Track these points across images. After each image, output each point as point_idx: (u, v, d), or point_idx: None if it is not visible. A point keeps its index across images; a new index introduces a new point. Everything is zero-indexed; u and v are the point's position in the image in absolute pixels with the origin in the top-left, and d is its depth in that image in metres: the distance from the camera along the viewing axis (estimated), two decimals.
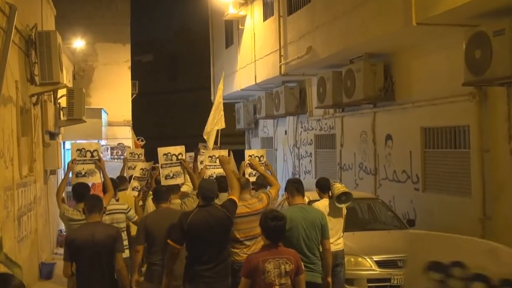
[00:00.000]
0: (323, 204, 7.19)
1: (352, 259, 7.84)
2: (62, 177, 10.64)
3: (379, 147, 11.80)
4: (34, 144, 9.54)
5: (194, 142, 12.63)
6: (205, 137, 11.09)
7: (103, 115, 16.87)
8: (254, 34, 16.39)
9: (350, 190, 7.36)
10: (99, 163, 7.29)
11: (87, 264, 5.35)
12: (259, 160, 8.35)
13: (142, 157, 9.94)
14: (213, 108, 11.14)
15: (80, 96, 11.98)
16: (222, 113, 10.99)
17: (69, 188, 7.55)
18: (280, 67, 14.11)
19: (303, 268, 4.81)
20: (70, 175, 7.32)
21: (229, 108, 22.60)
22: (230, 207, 5.48)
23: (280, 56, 14.11)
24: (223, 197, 6.28)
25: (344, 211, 7.41)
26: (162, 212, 6.19)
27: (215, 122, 10.98)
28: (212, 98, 21.30)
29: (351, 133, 13.06)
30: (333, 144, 14.17)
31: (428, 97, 10.00)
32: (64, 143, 15.07)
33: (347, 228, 7.72)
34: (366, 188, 12.02)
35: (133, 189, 8.09)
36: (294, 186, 6.28)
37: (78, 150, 7.39)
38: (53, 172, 12.02)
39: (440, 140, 9.97)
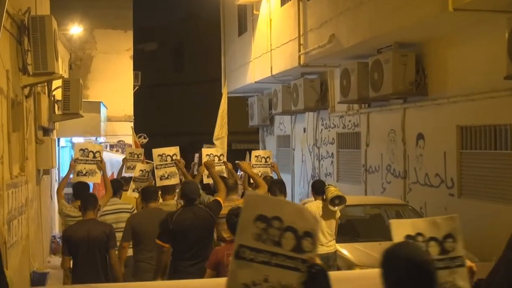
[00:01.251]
0: (315, 206, 8.13)
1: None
2: (61, 176, 12.58)
3: (409, 148, 11.75)
4: (26, 140, 9.59)
5: (202, 140, 13.00)
6: (215, 142, 11.66)
7: (102, 109, 16.95)
8: (271, 20, 16.38)
9: (343, 194, 8.28)
10: (100, 164, 8.33)
11: (83, 259, 6.39)
12: (266, 161, 9.71)
13: (142, 157, 10.45)
14: (219, 115, 11.80)
15: (77, 88, 12.03)
16: (226, 120, 11.76)
17: (70, 190, 8.73)
18: (299, 57, 14.10)
19: None
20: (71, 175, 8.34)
21: (241, 103, 22.68)
22: (214, 207, 6.54)
23: (299, 45, 14.09)
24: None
25: (338, 214, 8.33)
26: (149, 212, 7.17)
27: (222, 129, 11.81)
28: (223, 91, 21.32)
29: (378, 132, 13.02)
30: (358, 144, 14.13)
31: (465, 92, 9.94)
32: (58, 139, 15.16)
33: (372, 237, 7.77)
34: (394, 193, 11.97)
35: (133, 191, 9.00)
36: (277, 187, 7.60)
37: (81, 150, 8.40)
38: (47, 172, 12.08)
39: (478, 140, 9.91)
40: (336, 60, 13.32)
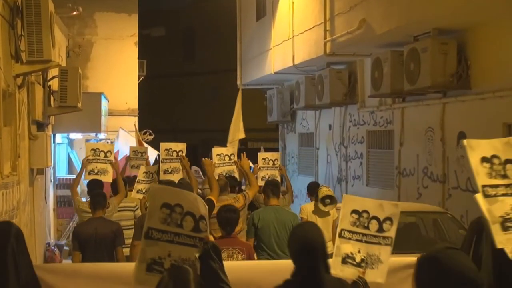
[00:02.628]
0: (310, 206, 9.76)
1: None
2: (57, 177, 14.79)
3: (449, 148, 11.70)
4: (18, 136, 9.65)
5: (214, 137, 13.76)
6: (228, 146, 13.07)
7: (103, 102, 17.03)
8: (293, 3, 16.38)
9: (334, 195, 9.72)
10: (113, 164, 9.94)
11: (91, 256, 7.43)
12: (273, 164, 10.85)
13: (146, 155, 11.45)
14: (234, 116, 13.58)
15: (75, 77, 12.10)
16: (242, 123, 13.57)
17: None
18: (325, 45, 14.08)
19: (256, 259, 6.73)
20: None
21: (259, 96, 22.70)
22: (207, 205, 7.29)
23: (325, 31, 14.06)
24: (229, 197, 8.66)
25: (334, 216, 9.52)
26: None
27: (236, 132, 13.55)
28: (238, 82, 21.37)
29: (413, 130, 12.98)
30: (390, 143, 14.09)
31: None
32: (54, 135, 15.26)
33: (407, 249, 7.76)
34: (431, 199, 11.92)
35: (138, 192, 10.18)
36: (270, 188, 8.55)
37: (92, 149, 10.10)
38: (41, 171, 12.17)
39: None
40: (367, 48, 13.30)
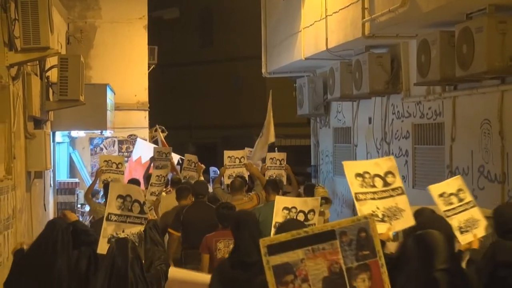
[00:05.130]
0: None
1: None
2: (57, 181, 16.19)
3: (509, 143, 11.64)
4: (13, 135, 9.75)
5: (235, 134, 16.27)
6: (259, 151, 15.85)
7: (109, 95, 17.14)
8: None
9: (329, 196, 12.24)
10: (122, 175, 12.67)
11: None
12: (280, 164, 13.63)
13: (170, 156, 14.31)
14: (266, 122, 16.29)
15: (76, 67, 12.18)
16: (273, 127, 16.37)
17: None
18: (363, 25, 14.03)
19: None
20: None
21: (287, 86, 22.69)
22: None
23: (363, 9, 14.01)
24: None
25: (327, 216, 11.98)
26: (200, 206, 10.32)
27: (264, 148, 15.99)
28: (263, 71, 21.38)
29: (467, 122, 12.91)
30: (440, 138, 14.02)
31: None
32: (54, 133, 15.38)
33: None
34: (488, 202, 11.80)
35: (151, 194, 12.26)
36: (270, 186, 10.60)
37: (105, 161, 12.51)
38: (39, 175, 12.28)
39: None
40: (412, 28, 13.28)
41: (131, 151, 19.26)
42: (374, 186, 6.48)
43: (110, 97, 17.38)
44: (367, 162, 6.71)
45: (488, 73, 11.05)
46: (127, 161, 16.86)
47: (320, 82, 19.38)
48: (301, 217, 7.15)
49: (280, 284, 4.13)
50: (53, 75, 12.80)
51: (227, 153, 13.31)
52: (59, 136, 16.63)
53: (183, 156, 15.82)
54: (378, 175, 6.55)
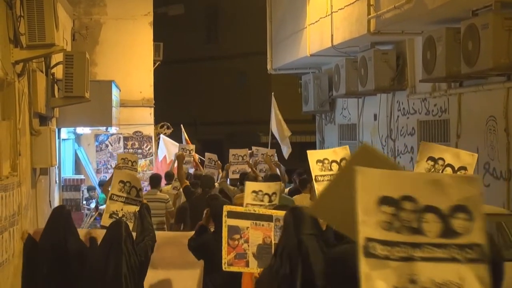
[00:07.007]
0: (301, 198, 11.65)
1: None
2: (62, 178, 16.35)
3: None
4: (18, 131, 9.75)
5: (241, 131, 16.85)
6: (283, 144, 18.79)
7: (114, 92, 17.15)
8: None
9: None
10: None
11: None
12: (242, 159, 15.22)
13: (193, 153, 16.16)
14: (275, 122, 18.30)
15: (82, 64, 12.19)
16: (284, 124, 18.58)
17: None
18: (369, 22, 14.01)
19: None
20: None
21: (293, 83, 22.69)
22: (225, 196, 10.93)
23: (369, 5, 13.99)
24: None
25: None
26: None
27: (283, 132, 18.42)
28: (268, 67, 21.37)
29: (472, 119, 12.89)
30: (446, 135, 14.00)
31: None
32: (59, 130, 15.40)
33: None
34: (494, 200, 11.82)
35: (173, 189, 14.01)
36: (269, 180, 11.10)
37: (122, 158, 13.38)
38: (44, 171, 12.28)
39: None
40: (418, 25, 13.27)
41: (137, 148, 19.32)
42: (331, 170, 8.09)
43: (115, 94, 17.39)
44: (327, 150, 8.10)
45: (493, 70, 11.03)
46: (141, 159, 18.98)
47: (326, 78, 19.39)
48: (266, 198, 8.37)
49: (230, 239, 6.65)
50: (59, 71, 12.80)
51: (231, 151, 15.30)
52: (64, 132, 16.65)
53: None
54: (335, 161, 8.21)
